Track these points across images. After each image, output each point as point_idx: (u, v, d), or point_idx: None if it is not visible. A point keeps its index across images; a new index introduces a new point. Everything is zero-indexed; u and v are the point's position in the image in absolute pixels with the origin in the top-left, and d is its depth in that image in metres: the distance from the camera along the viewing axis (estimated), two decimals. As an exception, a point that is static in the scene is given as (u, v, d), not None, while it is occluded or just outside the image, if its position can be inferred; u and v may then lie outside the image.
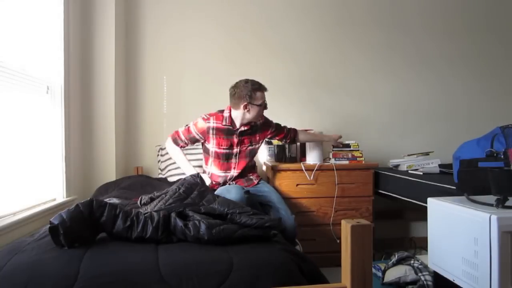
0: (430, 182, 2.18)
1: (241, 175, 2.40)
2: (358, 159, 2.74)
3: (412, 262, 2.10)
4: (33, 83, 2.04)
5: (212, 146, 2.33)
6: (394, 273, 2.12)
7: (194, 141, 2.36)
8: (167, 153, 2.56)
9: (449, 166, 2.21)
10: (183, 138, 2.34)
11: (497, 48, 3.31)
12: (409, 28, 3.23)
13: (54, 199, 2.25)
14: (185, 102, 2.98)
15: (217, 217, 1.43)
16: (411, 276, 2.05)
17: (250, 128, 2.37)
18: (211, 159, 2.37)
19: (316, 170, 2.60)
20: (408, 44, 3.22)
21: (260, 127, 2.44)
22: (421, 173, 2.46)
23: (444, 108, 3.25)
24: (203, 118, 2.33)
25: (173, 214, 1.37)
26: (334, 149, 2.73)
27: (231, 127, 2.32)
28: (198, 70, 3.01)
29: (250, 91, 2.24)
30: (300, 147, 2.89)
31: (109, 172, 2.60)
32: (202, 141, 2.36)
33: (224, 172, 2.37)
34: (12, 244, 1.38)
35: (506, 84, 3.32)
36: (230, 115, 2.32)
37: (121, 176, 2.72)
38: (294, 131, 2.63)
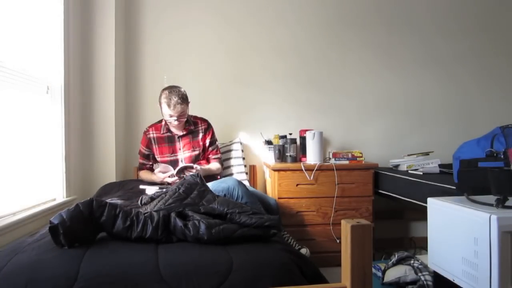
0: (430, 182, 2.18)
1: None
2: (358, 159, 2.74)
3: (412, 262, 2.10)
4: (33, 83, 2.04)
5: (157, 156, 2.48)
6: (394, 273, 2.12)
7: (147, 157, 2.51)
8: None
9: (449, 166, 2.21)
10: (140, 161, 2.55)
11: (492, 48, 3.31)
12: (410, 28, 3.22)
13: (54, 199, 2.25)
14: (185, 102, 2.97)
15: (216, 217, 1.43)
16: (411, 276, 2.05)
17: (189, 132, 2.47)
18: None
19: (316, 170, 2.60)
20: (409, 45, 3.22)
21: (203, 132, 2.51)
22: (421, 173, 2.45)
23: (444, 108, 3.25)
24: (144, 132, 2.54)
25: (173, 214, 1.37)
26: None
27: (170, 134, 2.46)
28: (198, 70, 3.01)
29: (161, 91, 2.38)
30: (300, 147, 2.90)
31: (109, 172, 2.60)
32: (150, 154, 2.49)
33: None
34: (13, 244, 1.38)
35: (506, 84, 3.32)
36: (165, 122, 2.44)
37: (121, 177, 2.72)
38: (210, 162, 2.53)
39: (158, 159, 2.47)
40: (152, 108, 2.96)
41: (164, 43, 2.98)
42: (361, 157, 2.75)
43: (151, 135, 2.49)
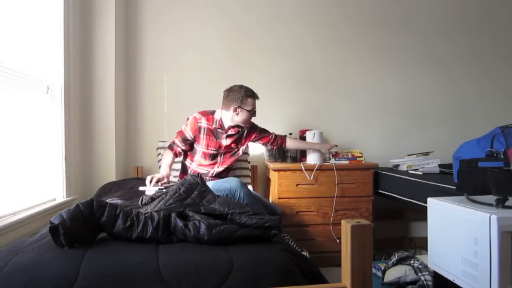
0: (430, 182, 2.18)
1: (222, 173, 2.45)
2: (358, 159, 2.74)
3: (412, 262, 2.10)
4: (33, 83, 2.04)
5: (201, 146, 2.39)
6: (394, 273, 2.12)
7: (185, 141, 2.40)
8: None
9: (449, 166, 2.21)
10: (176, 141, 2.40)
11: (490, 49, 3.31)
12: (413, 26, 3.22)
13: (54, 199, 2.25)
14: (185, 102, 2.98)
15: (217, 217, 1.43)
16: (411, 276, 2.05)
17: (238, 133, 2.44)
18: (197, 158, 2.42)
19: (316, 170, 2.60)
20: (409, 44, 3.22)
21: (248, 132, 2.50)
22: (421, 173, 2.46)
23: (444, 108, 3.25)
24: (195, 118, 2.39)
25: (173, 214, 1.37)
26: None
27: (220, 130, 2.39)
28: (198, 70, 3.01)
29: (242, 96, 2.32)
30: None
31: (109, 172, 2.60)
32: (192, 140, 2.40)
33: (208, 168, 2.43)
34: (13, 244, 1.39)
35: (506, 84, 3.32)
36: (220, 118, 2.39)
37: (121, 176, 2.72)
38: (282, 138, 2.63)
39: (201, 149, 2.38)
40: (152, 108, 2.96)
41: (164, 43, 2.98)
42: (361, 157, 2.75)
43: (202, 125, 2.37)
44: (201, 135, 2.38)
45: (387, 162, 2.91)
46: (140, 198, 1.80)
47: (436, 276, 1.68)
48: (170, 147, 2.41)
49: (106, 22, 2.60)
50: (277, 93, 3.08)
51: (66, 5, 2.32)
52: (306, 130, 2.82)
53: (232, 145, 2.44)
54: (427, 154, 2.74)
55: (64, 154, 2.30)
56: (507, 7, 3.34)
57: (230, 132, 2.40)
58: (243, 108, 2.32)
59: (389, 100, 3.21)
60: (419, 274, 2.01)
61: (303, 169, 2.59)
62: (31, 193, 2.02)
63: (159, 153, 2.80)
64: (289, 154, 2.80)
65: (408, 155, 2.78)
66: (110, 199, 1.89)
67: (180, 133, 2.41)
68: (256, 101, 2.39)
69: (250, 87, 3.13)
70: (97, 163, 2.60)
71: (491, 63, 3.31)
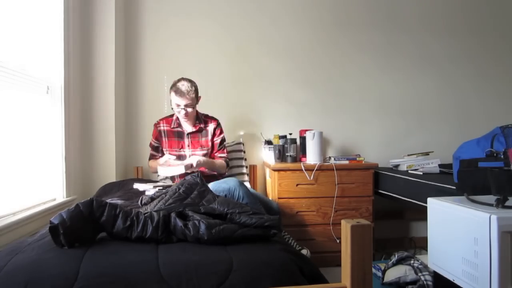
0: (430, 182, 2.18)
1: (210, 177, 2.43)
2: (358, 159, 2.74)
3: (412, 262, 2.11)
4: (33, 83, 2.04)
5: (165, 149, 2.49)
6: (394, 273, 2.12)
7: (156, 149, 2.53)
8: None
9: (449, 166, 2.21)
10: (151, 152, 2.57)
11: (488, 49, 3.31)
12: (409, 27, 3.23)
13: (54, 199, 2.25)
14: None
15: (216, 217, 1.43)
16: (411, 276, 2.05)
17: (198, 130, 2.48)
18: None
19: (316, 170, 2.60)
20: (408, 44, 3.22)
21: (212, 132, 2.52)
22: (421, 173, 2.46)
23: (444, 108, 3.25)
24: (155, 124, 2.54)
25: (173, 214, 1.37)
26: None
27: (180, 129, 2.47)
28: (198, 70, 3.00)
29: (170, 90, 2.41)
30: (300, 147, 2.90)
31: (109, 172, 2.60)
32: (159, 146, 2.52)
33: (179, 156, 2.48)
34: (13, 244, 1.38)
35: (505, 84, 3.32)
36: (177, 117, 2.46)
37: (121, 176, 2.72)
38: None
39: (166, 152, 2.49)
40: (152, 108, 2.96)
41: (164, 43, 2.98)
42: (361, 157, 2.75)
43: (162, 128, 2.50)
44: (163, 139, 2.49)
45: (387, 162, 2.91)
46: (140, 198, 1.80)
47: (436, 276, 1.68)
48: (150, 159, 2.56)
49: (106, 22, 2.60)
50: (277, 93, 3.08)
51: (66, 5, 2.32)
52: (306, 130, 2.82)
53: (196, 145, 2.47)
54: (427, 154, 2.74)
55: (64, 154, 2.30)
56: (503, 7, 3.34)
57: (190, 130, 2.47)
58: (170, 91, 2.40)
59: (389, 101, 3.21)
60: (419, 274, 2.01)
61: (303, 169, 2.59)
62: (31, 193, 2.01)
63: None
64: (289, 154, 2.80)
65: (408, 155, 2.78)
66: (110, 199, 1.89)
67: (150, 144, 2.55)
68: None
69: (250, 87, 3.14)
70: (97, 163, 2.60)
71: (489, 63, 3.31)
